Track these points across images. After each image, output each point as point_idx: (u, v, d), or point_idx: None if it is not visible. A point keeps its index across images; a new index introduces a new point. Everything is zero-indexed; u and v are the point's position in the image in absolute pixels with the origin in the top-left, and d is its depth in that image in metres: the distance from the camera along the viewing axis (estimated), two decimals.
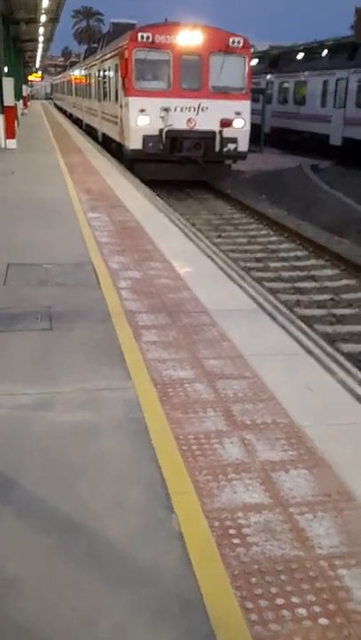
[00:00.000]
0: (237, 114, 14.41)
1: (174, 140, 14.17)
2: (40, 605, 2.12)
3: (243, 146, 14.65)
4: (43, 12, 22.98)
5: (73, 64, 42.06)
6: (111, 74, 17.52)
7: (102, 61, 19.57)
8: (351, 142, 21.70)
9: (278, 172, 19.50)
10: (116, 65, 15.96)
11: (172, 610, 2.10)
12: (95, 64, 21.95)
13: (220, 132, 14.33)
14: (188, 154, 14.21)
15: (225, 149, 14.46)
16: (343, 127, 22.36)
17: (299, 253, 10.50)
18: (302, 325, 4.83)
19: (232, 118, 14.36)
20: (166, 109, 14.04)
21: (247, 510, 2.60)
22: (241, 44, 14.38)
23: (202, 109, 14.23)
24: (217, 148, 14.44)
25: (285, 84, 27.92)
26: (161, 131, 14.13)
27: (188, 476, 2.81)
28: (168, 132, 14.11)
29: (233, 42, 14.30)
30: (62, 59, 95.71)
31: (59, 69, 77.65)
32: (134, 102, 14.20)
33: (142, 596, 2.15)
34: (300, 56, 28.53)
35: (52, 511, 2.58)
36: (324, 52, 25.98)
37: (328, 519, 2.56)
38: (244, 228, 12.62)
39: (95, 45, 26.75)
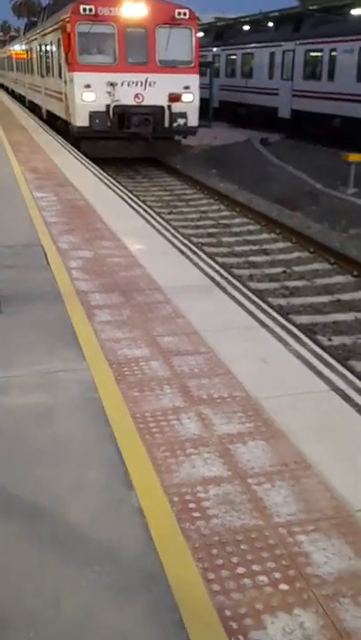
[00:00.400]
0: (186, 88, 14.21)
1: (122, 115, 13.86)
2: (4, 590, 2.09)
3: (192, 121, 14.45)
4: None
5: (13, 39, 40.51)
6: (54, 48, 16.95)
7: (44, 35, 18.93)
8: (300, 114, 21.82)
9: (228, 147, 19.46)
10: (59, 39, 15.43)
11: (135, 586, 2.11)
12: (36, 38, 21.20)
13: (169, 106, 14.10)
14: (137, 130, 13.92)
15: (174, 125, 14.24)
16: (291, 99, 22.43)
17: (251, 227, 10.56)
18: (256, 299, 4.86)
19: (181, 92, 14.14)
20: (113, 84, 13.69)
21: (206, 484, 2.62)
22: (187, 16, 14.12)
23: (149, 84, 13.94)
24: (166, 124, 14.22)
25: (232, 57, 27.71)
26: (108, 107, 13.79)
27: (147, 453, 2.81)
28: (115, 107, 13.78)
29: (179, 13, 14.01)
30: (1, 33, 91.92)
31: None
32: (79, 77, 13.81)
33: (105, 574, 2.15)
34: (246, 28, 28.32)
35: (11, 496, 2.53)
36: (270, 24, 25.87)
37: (286, 488, 2.61)
38: (195, 203, 12.58)
39: (35, 19, 25.83)
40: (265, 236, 10.04)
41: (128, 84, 13.83)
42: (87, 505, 2.49)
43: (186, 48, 14.27)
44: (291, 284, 7.72)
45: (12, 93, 35.82)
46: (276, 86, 23.45)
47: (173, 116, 14.16)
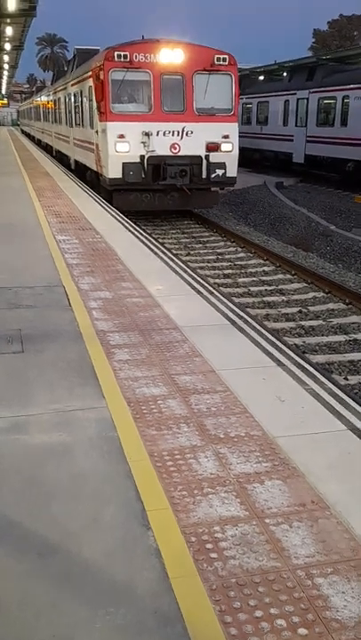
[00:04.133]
0: (225, 137, 13.49)
1: (157, 167, 13.12)
2: (18, 629, 2.08)
3: (231, 171, 13.63)
4: (7, 40, 23.08)
5: (40, 89, 41.93)
6: (84, 97, 16.40)
7: (74, 84, 18.44)
8: (313, 159, 22.29)
9: (244, 190, 19.83)
10: (90, 87, 14.93)
11: (150, 627, 2.08)
12: (65, 87, 20.76)
13: (207, 156, 13.36)
14: (173, 182, 13.14)
15: (213, 175, 13.43)
16: (305, 145, 22.96)
17: (266, 268, 10.66)
18: (272, 338, 4.89)
19: (219, 142, 13.43)
20: (148, 134, 12.97)
21: (224, 524, 2.60)
22: (227, 62, 13.41)
23: (186, 133, 13.19)
24: (204, 175, 13.43)
25: (248, 106, 28.54)
26: (142, 157, 13.07)
27: (164, 492, 2.80)
28: (150, 158, 13.06)
29: (218, 59, 13.28)
30: (27, 85, 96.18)
31: (24, 96, 78.06)
32: (112, 127, 13.13)
33: (120, 615, 2.13)
34: (261, 78, 29.28)
35: (28, 534, 2.54)
36: (285, 74, 26.74)
37: (304, 529, 2.58)
38: (212, 245, 12.76)
39: (63, 70, 26.40)
40: (280, 276, 10.12)
41: (164, 134, 13.10)
42: (103, 543, 2.48)
43: (225, 95, 13.53)
44: (306, 323, 7.74)
45: (38, 143, 36.97)
46: (291, 133, 24.05)
47: (211, 167, 13.36)
